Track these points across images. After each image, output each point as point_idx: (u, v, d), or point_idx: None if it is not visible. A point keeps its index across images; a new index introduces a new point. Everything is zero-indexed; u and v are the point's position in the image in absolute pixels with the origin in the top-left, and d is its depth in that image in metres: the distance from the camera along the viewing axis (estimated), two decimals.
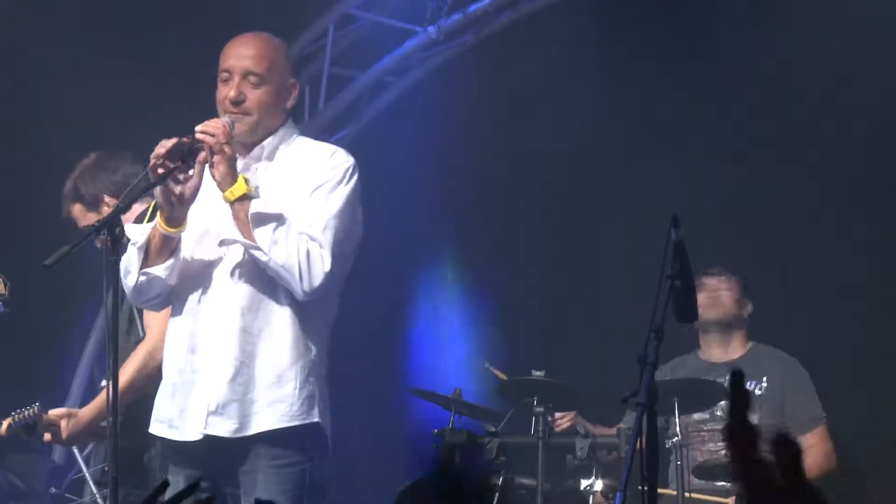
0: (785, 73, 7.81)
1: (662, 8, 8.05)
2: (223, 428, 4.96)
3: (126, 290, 5.04)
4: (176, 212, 4.92)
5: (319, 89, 8.95)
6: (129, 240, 4.88)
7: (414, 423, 8.04)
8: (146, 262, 4.96)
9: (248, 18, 8.00)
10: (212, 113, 5.10)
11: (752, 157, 7.96)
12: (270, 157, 5.12)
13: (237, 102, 5.06)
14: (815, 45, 7.58)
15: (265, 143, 5.12)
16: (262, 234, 4.89)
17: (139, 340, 5.77)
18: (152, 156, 4.87)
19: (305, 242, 4.92)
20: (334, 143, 8.96)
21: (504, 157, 8.50)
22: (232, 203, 4.92)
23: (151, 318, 5.75)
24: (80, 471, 8.48)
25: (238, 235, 4.94)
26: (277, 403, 4.97)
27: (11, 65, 7.95)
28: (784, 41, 7.70)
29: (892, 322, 7.48)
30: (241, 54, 5.13)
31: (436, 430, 6.78)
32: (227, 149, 4.90)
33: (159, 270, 4.97)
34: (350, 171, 5.10)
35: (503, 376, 7.09)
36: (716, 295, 7.08)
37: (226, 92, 5.08)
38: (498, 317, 8.48)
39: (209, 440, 4.97)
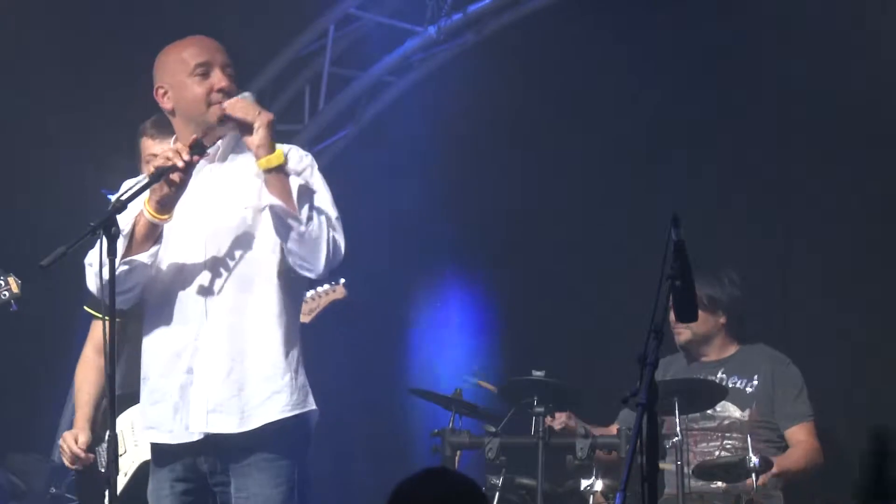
0: (785, 72, 7.81)
1: (663, 8, 8.04)
2: (225, 425, 4.95)
3: (95, 284, 4.96)
4: (169, 198, 4.90)
5: (319, 89, 8.95)
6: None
7: (414, 423, 8.05)
8: (129, 251, 4.90)
9: (248, 18, 8.04)
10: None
11: (752, 156, 7.96)
12: (224, 158, 5.08)
13: (228, 92, 5.04)
14: (816, 45, 7.58)
15: (220, 142, 5.09)
16: (301, 198, 4.90)
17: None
18: (174, 152, 4.89)
19: (328, 224, 4.96)
20: (334, 143, 9.09)
21: (504, 157, 8.50)
22: (269, 171, 4.89)
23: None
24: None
25: (274, 201, 4.89)
26: (277, 395, 4.98)
27: (10, 64, 7.95)
28: (785, 40, 7.71)
29: (893, 322, 7.48)
30: (214, 48, 5.10)
31: (435, 431, 6.79)
32: (265, 115, 4.90)
33: (144, 258, 4.94)
34: (313, 161, 5.13)
35: (492, 388, 7.09)
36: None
37: (210, 83, 5.04)
38: (498, 317, 8.48)
39: (208, 439, 4.98)
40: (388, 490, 3.71)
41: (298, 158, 5.11)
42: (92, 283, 5.05)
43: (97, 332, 6.09)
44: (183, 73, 5.07)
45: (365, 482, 8.15)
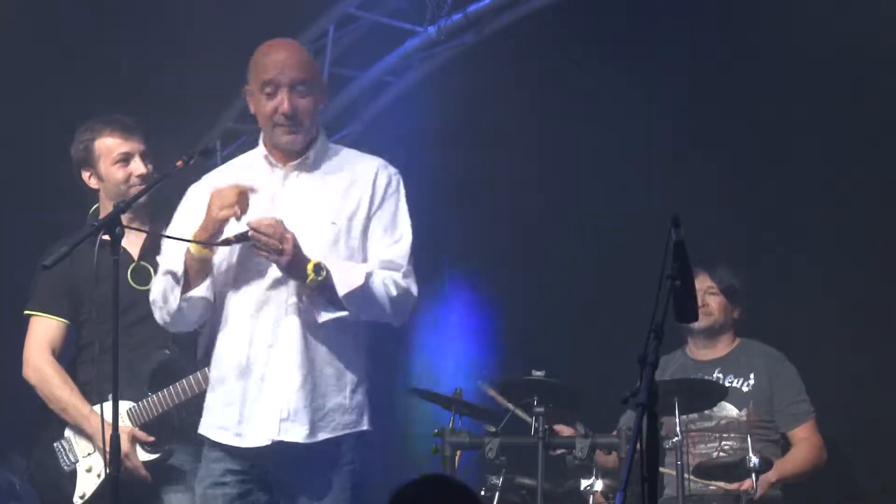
0: (786, 72, 7.81)
1: (663, 8, 8.05)
2: (296, 434, 5.02)
3: (161, 319, 5.03)
4: (217, 236, 4.95)
5: None
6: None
7: (414, 423, 8.04)
8: (186, 287, 4.96)
9: (248, 18, 8.03)
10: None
11: (753, 156, 7.96)
12: (315, 167, 5.11)
13: (291, 116, 5.03)
14: (814, 43, 7.58)
15: (310, 152, 5.10)
16: (348, 300, 4.97)
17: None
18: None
19: (391, 283, 5.06)
20: (335, 143, 9.06)
21: (504, 158, 8.50)
22: (309, 284, 4.93)
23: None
24: None
25: (330, 310, 4.98)
26: (332, 412, 5.07)
27: (4, 65, 7.95)
28: (784, 40, 7.71)
29: (893, 321, 7.48)
30: (284, 64, 5.05)
31: (435, 431, 6.79)
32: (286, 247, 4.88)
33: (202, 291, 4.99)
34: (399, 183, 5.20)
35: (504, 401, 7.07)
36: (704, 302, 7.06)
37: (274, 105, 5.02)
38: (498, 317, 8.47)
39: (275, 446, 5.00)
40: (389, 490, 3.72)
41: (386, 181, 5.15)
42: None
43: (38, 329, 6.07)
44: (255, 85, 5.09)
45: (365, 482, 8.13)
